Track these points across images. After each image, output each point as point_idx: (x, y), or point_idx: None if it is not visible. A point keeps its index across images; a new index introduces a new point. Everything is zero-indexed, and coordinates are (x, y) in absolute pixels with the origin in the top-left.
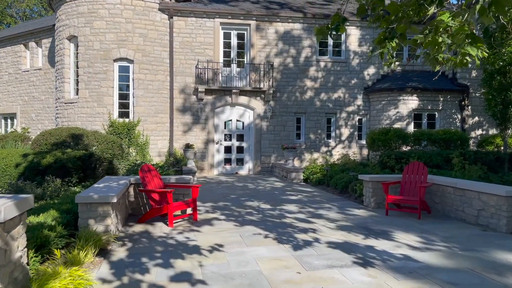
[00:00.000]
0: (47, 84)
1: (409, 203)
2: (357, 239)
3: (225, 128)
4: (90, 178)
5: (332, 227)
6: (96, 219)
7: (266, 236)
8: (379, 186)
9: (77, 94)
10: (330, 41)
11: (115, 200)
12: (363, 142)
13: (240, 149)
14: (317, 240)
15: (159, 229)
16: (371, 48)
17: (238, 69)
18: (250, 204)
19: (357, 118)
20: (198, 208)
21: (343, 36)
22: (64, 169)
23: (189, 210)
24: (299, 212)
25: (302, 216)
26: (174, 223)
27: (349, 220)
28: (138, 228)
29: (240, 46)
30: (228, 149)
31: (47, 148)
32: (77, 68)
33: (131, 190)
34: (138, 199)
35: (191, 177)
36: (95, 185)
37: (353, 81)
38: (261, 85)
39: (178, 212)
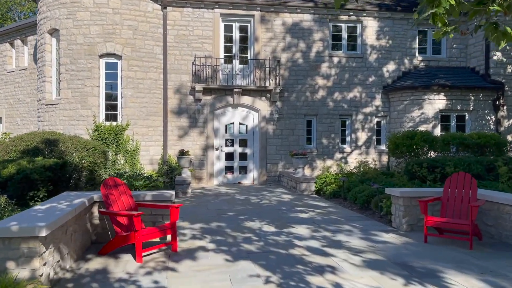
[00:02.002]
0: (33, 85)
1: (457, 227)
2: (396, 285)
3: (226, 132)
4: (64, 192)
5: (357, 263)
6: (18, 261)
7: (266, 281)
8: (412, 204)
9: (59, 94)
10: (345, 34)
11: (43, 234)
12: (383, 147)
13: (243, 156)
14: (338, 287)
15: (123, 265)
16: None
17: (241, 65)
18: (250, 226)
19: (375, 120)
20: (183, 231)
21: (358, 29)
22: (28, 181)
23: (169, 237)
24: (312, 237)
25: (316, 244)
26: (146, 255)
27: (378, 250)
28: (95, 263)
29: (243, 40)
30: (229, 156)
31: (16, 156)
32: (59, 65)
33: (96, 210)
34: (104, 221)
35: (172, 193)
36: (38, 206)
37: (370, 79)
38: (267, 84)
39: (157, 239)
